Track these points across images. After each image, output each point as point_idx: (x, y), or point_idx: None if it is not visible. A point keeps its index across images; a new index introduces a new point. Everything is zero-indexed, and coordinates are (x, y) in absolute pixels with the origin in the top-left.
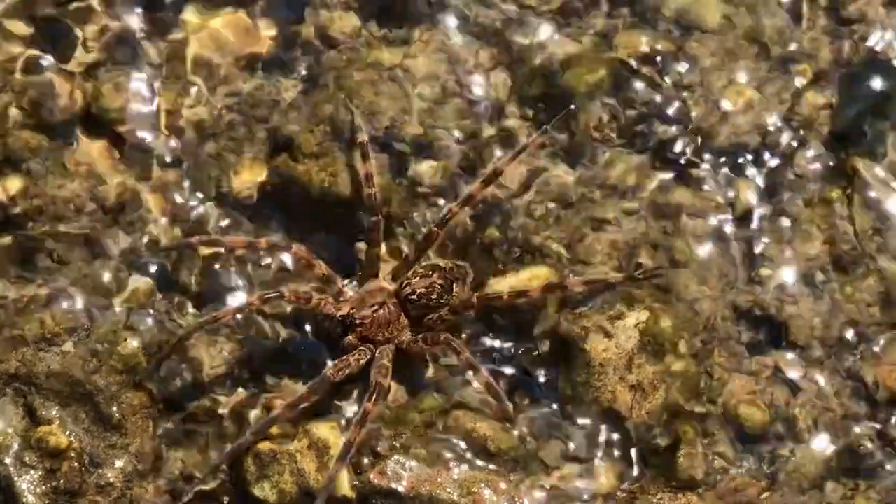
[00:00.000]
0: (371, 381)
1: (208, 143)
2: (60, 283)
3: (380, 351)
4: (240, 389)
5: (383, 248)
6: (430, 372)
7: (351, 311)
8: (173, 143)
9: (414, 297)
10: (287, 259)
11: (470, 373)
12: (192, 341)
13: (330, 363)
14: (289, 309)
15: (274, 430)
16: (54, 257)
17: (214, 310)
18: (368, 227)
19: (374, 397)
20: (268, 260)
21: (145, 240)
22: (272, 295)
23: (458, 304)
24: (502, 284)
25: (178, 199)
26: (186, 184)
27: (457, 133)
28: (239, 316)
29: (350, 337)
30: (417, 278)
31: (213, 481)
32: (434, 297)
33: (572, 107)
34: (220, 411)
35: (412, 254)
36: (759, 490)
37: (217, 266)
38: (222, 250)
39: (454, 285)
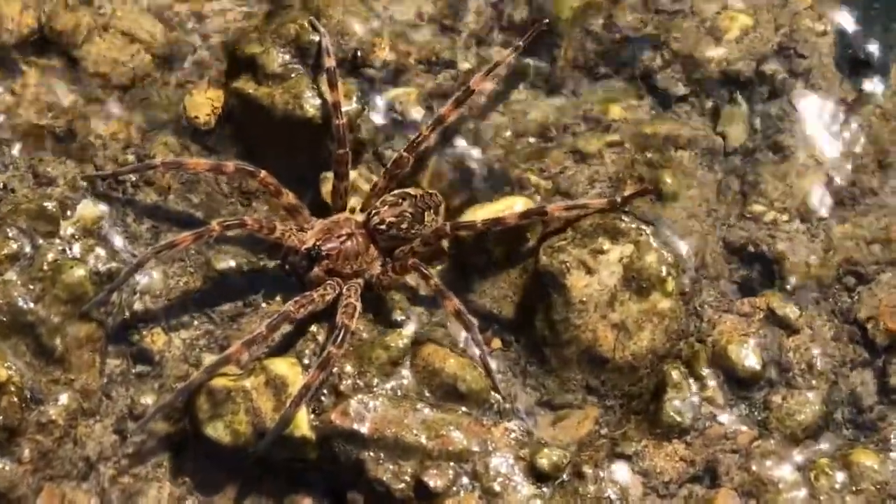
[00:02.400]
0: (337, 322)
1: (165, 66)
2: (4, 209)
3: (347, 287)
4: (195, 323)
5: (351, 178)
6: (398, 306)
7: (317, 243)
8: (129, 66)
9: (382, 226)
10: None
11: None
12: (146, 270)
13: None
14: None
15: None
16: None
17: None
18: (335, 159)
19: (339, 340)
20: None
21: (95, 166)
22: (233, 222)
23: (430, 234)
24: (476, 215)
25: (134, 125)
26: (141, 110)
27: (432, 60)
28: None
29: (316, 270)
30: (386, 207)
31: (163, 421)
32: (404, 226)
33: (545, 21)
34: (174, 346)
35: (381, 182)
36: (751, 438)
37: (173, 195)
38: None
39: (425, 214)
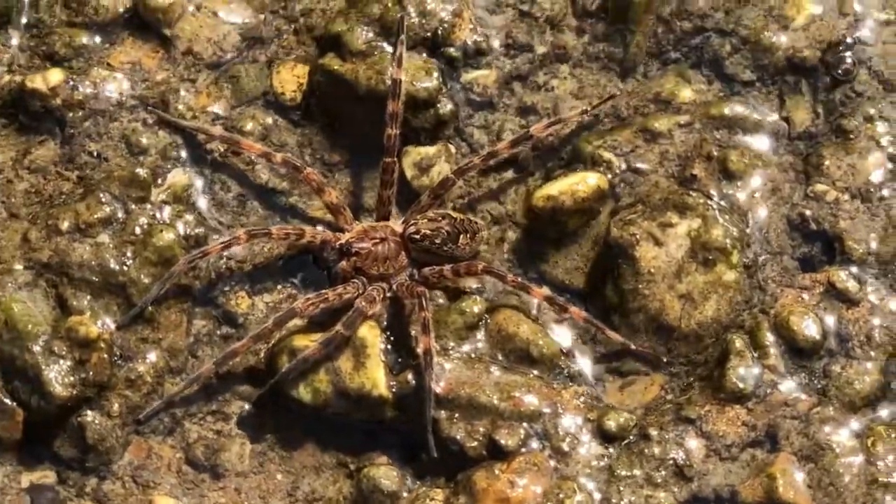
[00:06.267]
0: (354, 304)
1: (254, 47)
2: (98, 177)
3: (373, 287)
4: (278, 287)
5: (430, 153)
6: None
7: (350, 240)
8: (220, 45)
9: (417, 236)
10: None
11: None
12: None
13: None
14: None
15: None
16: (93, 153)
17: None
18: (382, 167)
19: (349, 322)
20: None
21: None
22: (259, 232)
23: (462, 266)
24: (552, 188)
25: (223, 99)
26: (231, 85)
27: (510, 43)
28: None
29: (343, 264)
30: (426, 220)
31: (247, 381)
32: (438, 241)
33: (617, 92)
34: (258, 309)
35: (426, 199)
36: (810, 405)
37: (259, 164)
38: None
39: (461, 236)
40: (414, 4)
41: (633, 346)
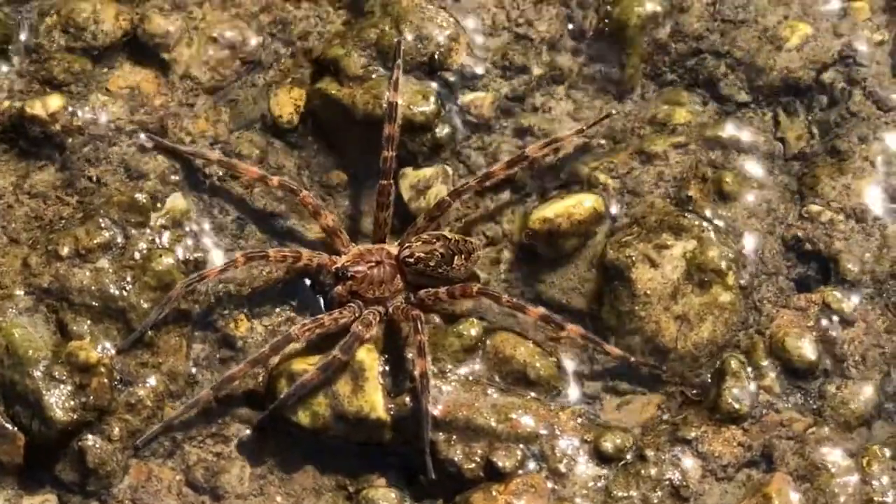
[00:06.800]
0: (351, 329)
1: (252, 70)
2: (98, 202)
3: (368, 310)
4: (277, 310)
5: (427, 175)
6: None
7: (346, 264)
8: (217, 69)
9: (411, 259)
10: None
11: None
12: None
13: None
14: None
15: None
16: (93, 178)
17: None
18: (378, 189)
19: (346, 347)
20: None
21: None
22: (256, 254)
23: (457, 288)
24: (548, 210)
25: (221, 123)
26: (229, 109)
27: (506, 65)
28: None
29: (339, 288)
30: (420, 243)
31: (246, 404)
32: (432, 264)
33: (613, 112)
34: (256, 333)
35: (421, 222)
36: (805, 425)
37: (258, 188)
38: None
39: (455, 258)
40: (411, 29)
41: (632, 359)
